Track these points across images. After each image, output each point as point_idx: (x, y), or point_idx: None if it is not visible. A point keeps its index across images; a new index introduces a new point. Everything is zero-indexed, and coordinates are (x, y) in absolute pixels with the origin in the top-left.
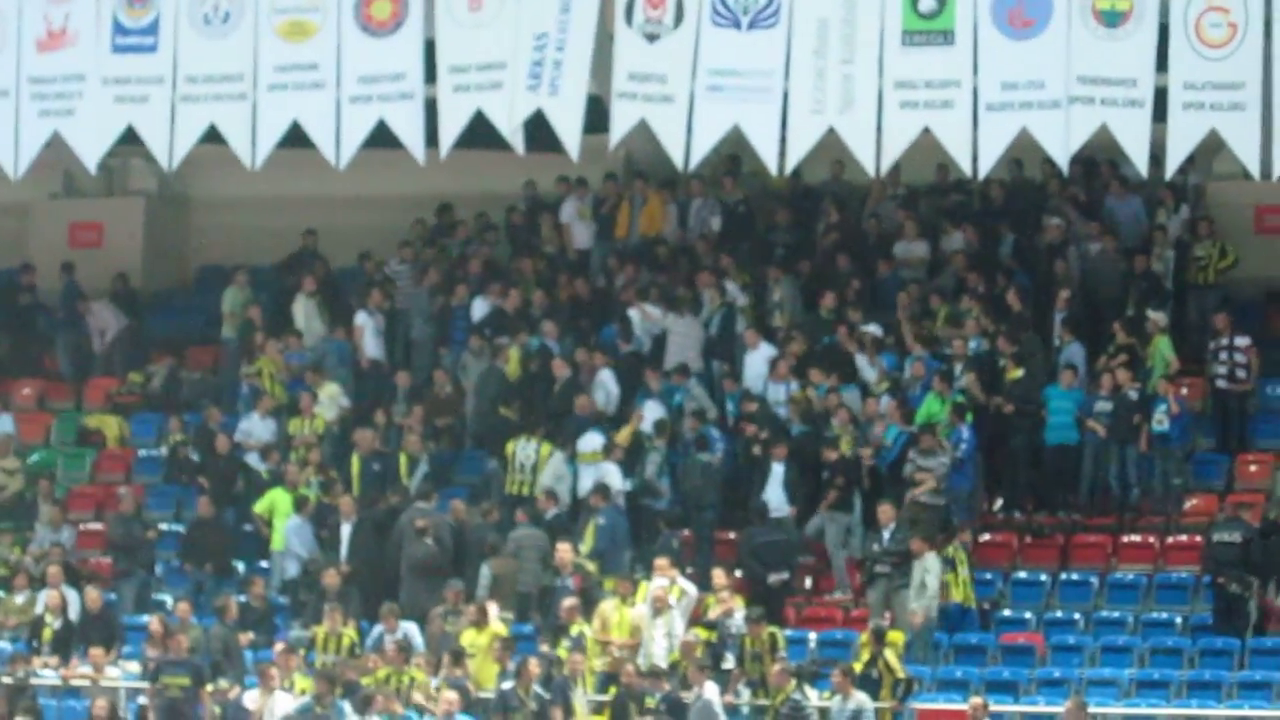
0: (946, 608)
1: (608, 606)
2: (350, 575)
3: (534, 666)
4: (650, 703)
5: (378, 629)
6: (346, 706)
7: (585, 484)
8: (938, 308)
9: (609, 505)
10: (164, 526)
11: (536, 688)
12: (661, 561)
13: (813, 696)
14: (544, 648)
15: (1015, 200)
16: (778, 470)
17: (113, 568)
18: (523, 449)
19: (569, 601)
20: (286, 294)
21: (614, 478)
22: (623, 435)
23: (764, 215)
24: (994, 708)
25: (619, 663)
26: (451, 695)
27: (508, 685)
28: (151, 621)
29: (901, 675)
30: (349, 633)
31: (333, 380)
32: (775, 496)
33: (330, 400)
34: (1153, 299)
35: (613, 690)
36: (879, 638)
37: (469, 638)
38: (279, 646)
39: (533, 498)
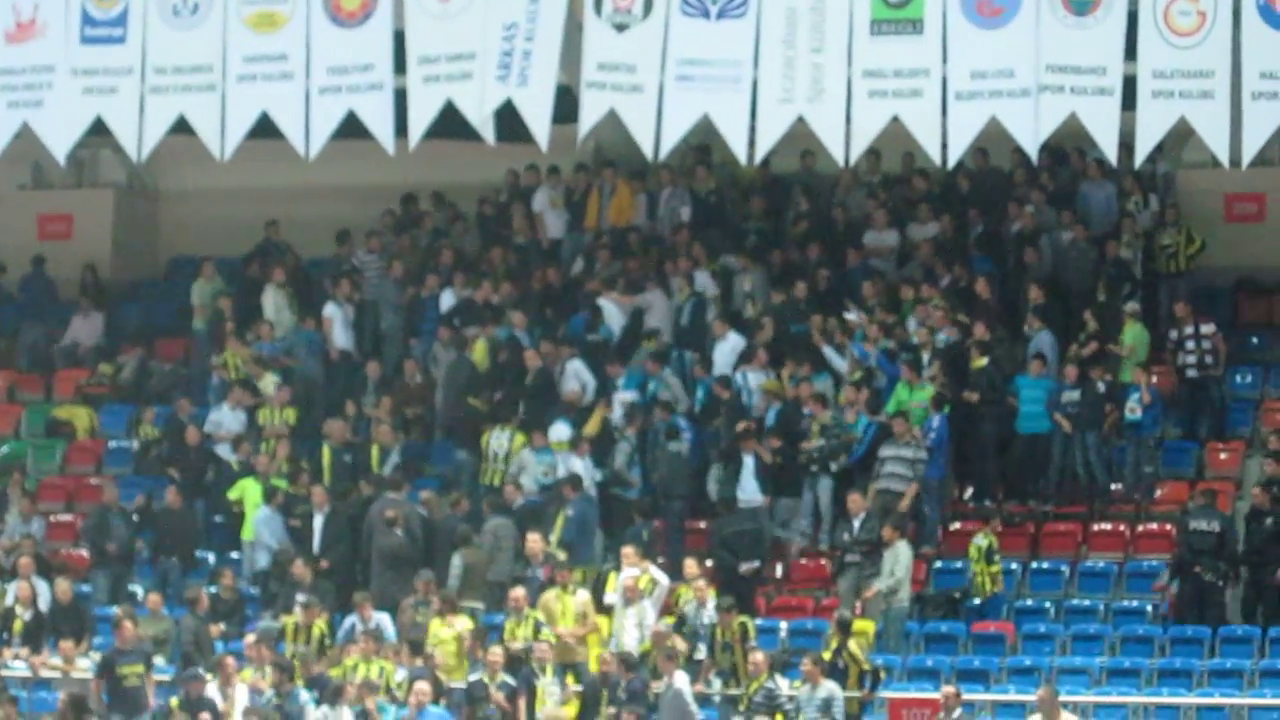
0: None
1: (549, 596)
2: (322, 567)
3: (495, 656)
4: (620, 692)
5: (350, 619)
6: (304, 695)
7: (561, 473)
8: (907, 300)
9: (579, 495)
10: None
11: (503, 676)
12: (628, 550)
13: (784, 685)
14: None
15: (983, 189)
16: (748, 461)
17: (90, 559)
18: (496, 439)
19: (516, 591)
20: (252, 285)
21: (581, 468)
22: (591, 425)
23: (735, 205)
24: (965, 696)
25: (570, 651)
26: (423, 686)
27: (475, 677)
28: (117, 613)
29: (866, 666)
30: (320, 624)
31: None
32: (749, 487)
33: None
34: (1122, 287)
35: (571, 679)
36: (844, 628)
37: (434, 628)
38: (249, 639)
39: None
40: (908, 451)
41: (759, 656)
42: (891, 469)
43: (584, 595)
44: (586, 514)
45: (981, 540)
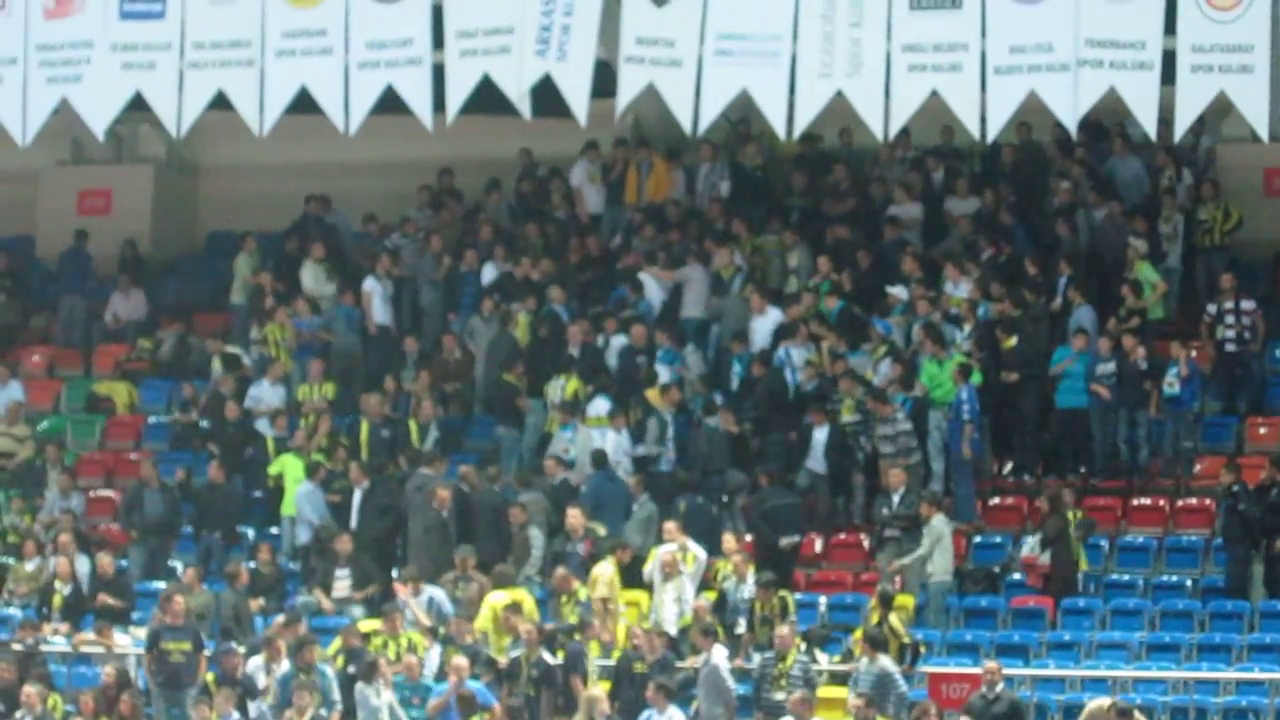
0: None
1: (604, 569)
2: (360, 542)
3: (525, 631)
4: (642, 667)
5: (401, 597)
6: (329, 671)
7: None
8: (947, 276)
9: (600, 472)
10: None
11: (544, 653)
12: (670, 525)
13: (822, 660)
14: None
15: (1023, 164)
16: (819, 435)
17: (126, 534)
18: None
19: (560, 572)
20: (292, 260)
21: (620, 444)
22: (652, 395)
23: (776, 180)
24: (1004, 671)
25: (625, 628)
26: (461, 661)
27: (516, 653)
28: (167, 588)
29: (906, 639)
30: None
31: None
32: (817, 458)
33: None
34: (1155, 260)
35: (615, 654)
36: (886, 602)
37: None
38: (278, 619)
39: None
40: (888, 428)
41: (784, 630)
42: (882, 449)
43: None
44: (603, 491)
45: (1072, 515)
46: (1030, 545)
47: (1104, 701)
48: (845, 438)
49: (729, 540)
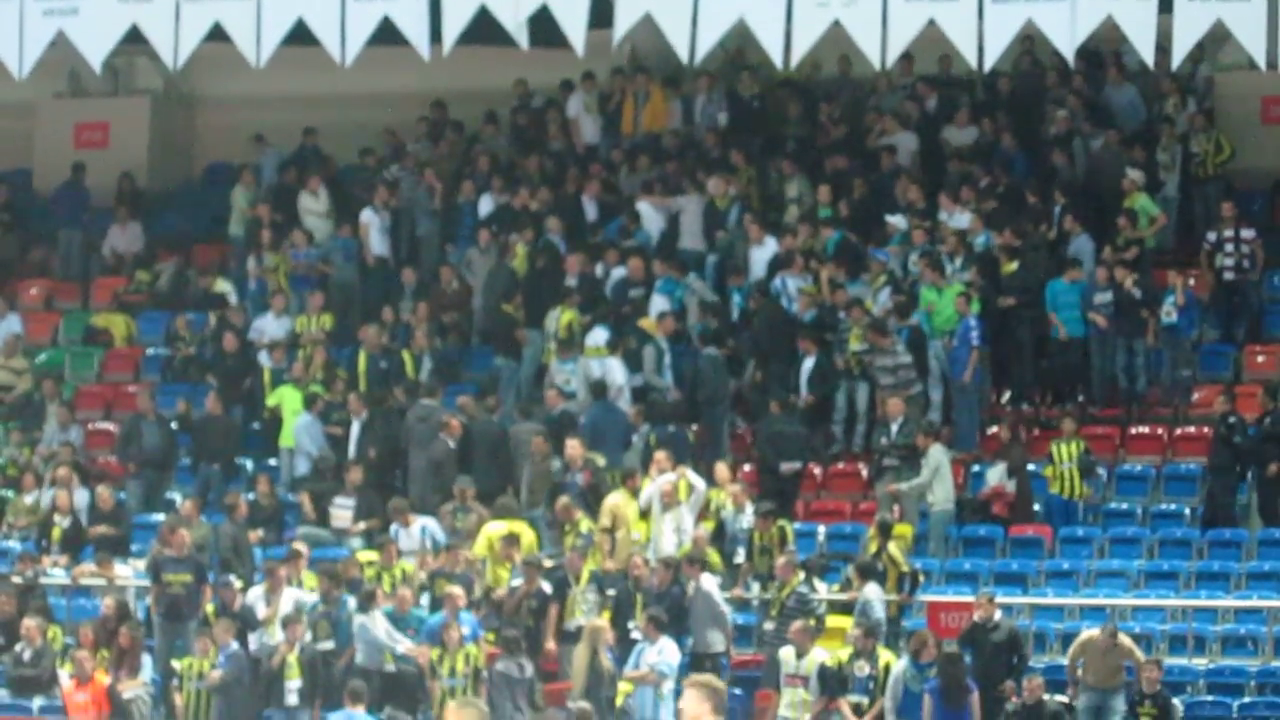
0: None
1: (617, 500)
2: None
3: (524, 566)
4: (646, 597)
5: (394, 526)
6: (351, 602)
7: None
8: (945, 205)
9: (598, 403)
10: (174, 426)
11: (542, 585)
12: (660, 455)
13: (821, 589)
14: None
15: (1021, 93)
16: (807, 363)
17: (123, 467)
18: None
19: (562, 501)
20: (290, 192)
21: (618, 373)
22: (647, 324)
23: (773, 110)
24: (1003, 600)
25: (630, 558)
26: (456, 590)
27: (517, 582)
28: (164, 523)
29: (905, 569)
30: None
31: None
32: (803, 387)
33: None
34: (1152, 189)
35: (619, 585)
36: (884, 531)
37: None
38: (290, 546)
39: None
40: (888, 360)
41: (781, 561)
42: (882, 380)
43: (645, 504)
44: (602, 421)
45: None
46: (998, 474)
47: (1094, 631)
48: (829, 368)
49: (720, 470)
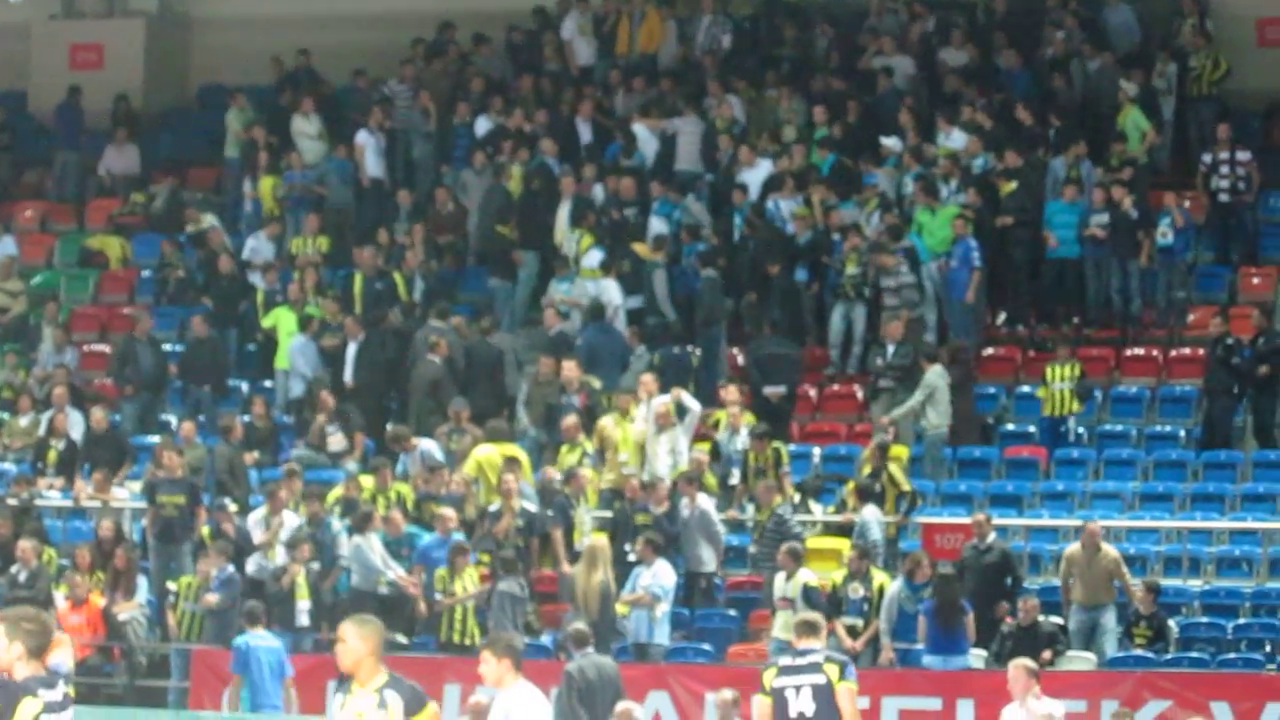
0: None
1: (607, 422)
2: (354, 392)
3: (505, 482)
4: (645, 519)
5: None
6: (336, 524)
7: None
8: (941, 126)
9: (594, 325)
10: (167, 347)
11: (523, 504)
12: (646, 377)
13: (816, 511)
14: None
15: (1016, 13)
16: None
17: (118, 389)
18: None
19: (569, 419)
20: (284, 114)
21: (614, 294)
22: (642, 249)
23: (769, 32)
24: (998, 521)
25: (624, 479)
26: (448, 512)
27: (494, 507)
28: (158, 444)
29: (906, 488)
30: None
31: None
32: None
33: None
34: (1147, 111)
35: (617, 506)
36: (883, 451)
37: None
38: (285, 467)
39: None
40: (892, 280)
41: (760, 485)
42: (886, 301)
43: (643, 424)
44: (598, 343)
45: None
46: None
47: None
48: (796, 291)
49: (732, 391)
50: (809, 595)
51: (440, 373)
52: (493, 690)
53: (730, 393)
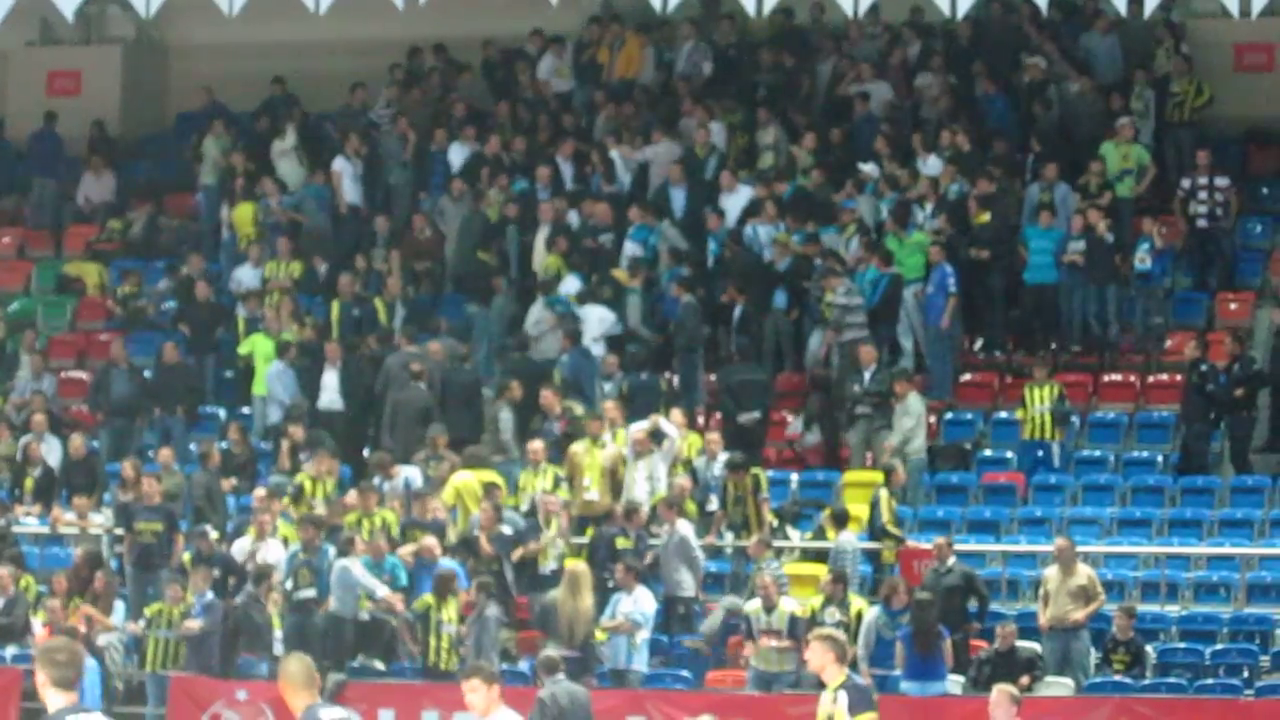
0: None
1: (578, 448)
2: (329, 418)
3: (483, 509)
4: (624, 543)
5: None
6: (332, 551)
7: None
8: (917, 153)
9: (574, 349)
10: (147, 374)
11: (500, 528)
12: (609, 404)
13: (794, 537)
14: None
15: (988, 39)
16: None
17: (94, 415)
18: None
19: (535, 444)
20: (262, 141)
21: (592, 321)
22: (621, 275)
23: (747, 59)
24: (976, 547)
25: (592, 505)
26: (430, 541)
27: (477, 532)
28: (124, 466)
29: (897, 533)
30: (328, 481)
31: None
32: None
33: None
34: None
35: (589, 532)
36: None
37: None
38: (259, 492)
39: None
40: (842, 299)
41: (756, 540)
42: (830, 316)
43: (613, 450)
44: (578, 369)
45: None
46: (793, 425)
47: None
48: (749, 318)
49: (677, 415)
50: (794, 626)
51: (429, 400)
52: (475, 717)
53: (683, 417)
